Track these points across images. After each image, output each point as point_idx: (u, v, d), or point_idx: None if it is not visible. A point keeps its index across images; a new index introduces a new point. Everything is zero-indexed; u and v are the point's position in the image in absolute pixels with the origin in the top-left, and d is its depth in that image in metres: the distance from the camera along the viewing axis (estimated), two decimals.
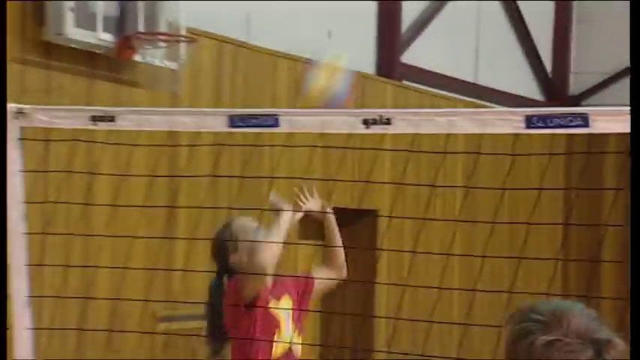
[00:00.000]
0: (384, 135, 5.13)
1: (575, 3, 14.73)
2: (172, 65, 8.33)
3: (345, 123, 4.83)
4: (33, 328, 4.90)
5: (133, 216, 7.37)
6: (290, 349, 5.35)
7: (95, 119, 4.87)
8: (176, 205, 8.33)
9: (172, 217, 8.40)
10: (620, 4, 13.84)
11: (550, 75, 14.46)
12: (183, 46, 8.38)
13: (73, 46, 7.71)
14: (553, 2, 14.68)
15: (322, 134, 5.16)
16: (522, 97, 13.65)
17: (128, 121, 4.91)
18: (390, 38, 11.72)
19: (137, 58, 8.13)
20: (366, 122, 4.67)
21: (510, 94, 13.38)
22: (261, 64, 9.77)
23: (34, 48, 7.61)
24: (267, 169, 9.25)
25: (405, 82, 11.73)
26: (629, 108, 3.88)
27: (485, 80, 13.15)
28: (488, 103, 12.62)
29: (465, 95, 12.71)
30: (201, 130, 5.34)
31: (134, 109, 5.77)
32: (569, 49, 14.64)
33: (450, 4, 12.49)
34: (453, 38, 12.79)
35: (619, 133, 4.22)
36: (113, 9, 7.96)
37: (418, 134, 4.72)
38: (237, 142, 5.80)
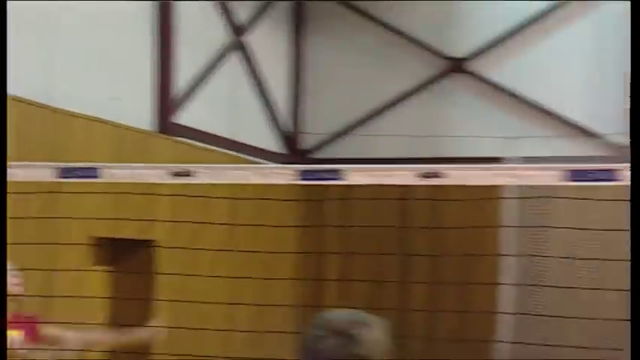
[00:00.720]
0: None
1: (309, 65, 14.76)
2: None
3: (155, 175, 4.98)
4: None
5: None
6: None
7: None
8: None
9: None
10: (349, 60, 14.35)
11: (288, 132, 14.47)
12: None
13: None
14: (290, 68, 14.61)
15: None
16: (267, 150, 13.70)
17: None
18: (165, 101, 11.52)
19: None
20: (176, 174, 4.84)
21: (258, 148, 13.40)
22: (60, 125, 9.55)
23: None
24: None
25: (179, 139, 11.59)
26: (376, 165, 4.26)
27: (241, 137, 13.08)
28: (243, 156, 12.63)
29: (226, 149, 12.62)
30: (31, 179, 5.33)
31: None
32: (299, 109, 14.67)
33: (216, 71, 12.43)
34: (217, 101, 12.66)
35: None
36: None
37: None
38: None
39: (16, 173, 5.21)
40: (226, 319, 11.45)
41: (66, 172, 5.11)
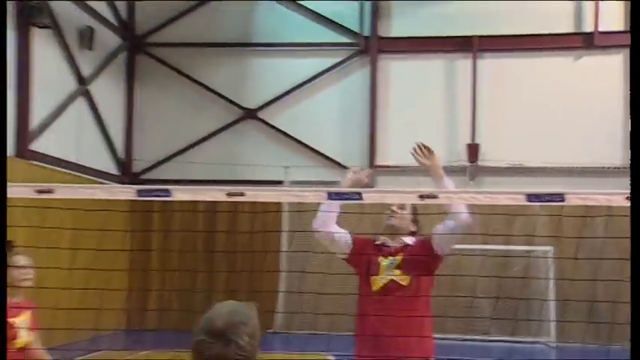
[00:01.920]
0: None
1: (140, 107, 14.19)
2: None
3: (21, 192, 4.66)
4: None
5: None
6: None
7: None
8: None
9: None
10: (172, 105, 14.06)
11: (122, 158, 13.95)
12: None
13: None
14: (124, 109, 14.03)
15: None
16: (106, 172, 13.10)
17: None
18: (23, 131, 10.77)
19: None
20: (40, 191, 4.55)
21: (99, 171, 12.81)
22: None
23: None
24: None
25: (34, 162, 10.80)
26: (194, 186, 4.29)
27: (87, 162, 12.49)
28: (85, 176, 11.99)
29: (86, 174, 12.07)
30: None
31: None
32: (131, 142, 14.16)
33: (67, 110, 11.81)
34: (67, 134, 12.00)
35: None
36: None
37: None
38: None
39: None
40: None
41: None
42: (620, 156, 12.86)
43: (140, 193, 4.46)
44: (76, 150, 12.24)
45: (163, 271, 12.72)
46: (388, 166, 13.36)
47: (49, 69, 11.28)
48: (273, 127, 13.93)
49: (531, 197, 3.86)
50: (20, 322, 3.77)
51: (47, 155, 11.25)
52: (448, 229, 3.95)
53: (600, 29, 13.24)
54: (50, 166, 11.25)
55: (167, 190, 4.39)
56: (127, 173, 13.82)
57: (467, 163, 13.27)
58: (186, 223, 13.32)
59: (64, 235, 10.12)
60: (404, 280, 3.97)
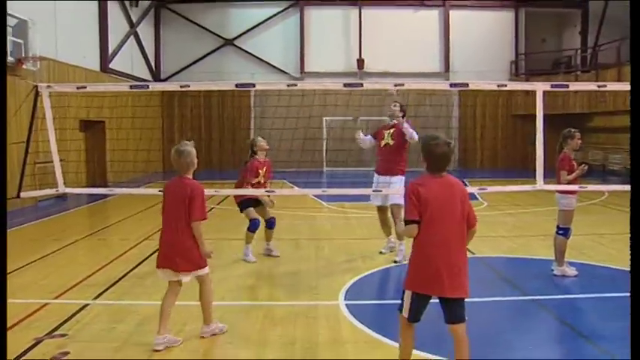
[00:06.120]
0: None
1: (161, 39, 14.51)
2: (35, 67, 8.47)
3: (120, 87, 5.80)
4: None
5: None
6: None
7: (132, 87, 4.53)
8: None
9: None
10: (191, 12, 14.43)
11: (154, 67, 14.66)
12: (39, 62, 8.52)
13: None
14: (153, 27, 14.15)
15: None
16: (147, 79, 13.90)
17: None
18: (104, 57, 11.42)
19: (24, 66, 8.26)
20: (134, 86, 4.62)
21: (145, 79, 13.54)
22: (63, 69, 9.57)
23: None
24: None
25: (112, 75, 11.66)
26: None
27: (137, 73, 12.94)
28: (135, 82, 11.31)
29: (136, 80, 12.55)
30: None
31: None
32: (160, 52, 14.77)
33: (125, 44, 12.30)
34: (127, 58, 12.48)
35: None
36: (13, 48, 8.05)
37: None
38: None
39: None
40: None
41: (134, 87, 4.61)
42: (436, 66, 15.36)
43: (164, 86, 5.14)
44: (131, 66, 13.37)
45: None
46: (311, 72, 15.09)
47: (116, 20, 12.37)
48: (243, 50, 15.07)
49: (451, 85, 4.33)
50: (262, 171, 4.41)
51: (117, 70, 12.37)
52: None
53: None
54: (118, 77, 12.29)
55: (188, 85, 4.66)
56: (157, 78, 14.88)
57: (357, 70, 15.04)
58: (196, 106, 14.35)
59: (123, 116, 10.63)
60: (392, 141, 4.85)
